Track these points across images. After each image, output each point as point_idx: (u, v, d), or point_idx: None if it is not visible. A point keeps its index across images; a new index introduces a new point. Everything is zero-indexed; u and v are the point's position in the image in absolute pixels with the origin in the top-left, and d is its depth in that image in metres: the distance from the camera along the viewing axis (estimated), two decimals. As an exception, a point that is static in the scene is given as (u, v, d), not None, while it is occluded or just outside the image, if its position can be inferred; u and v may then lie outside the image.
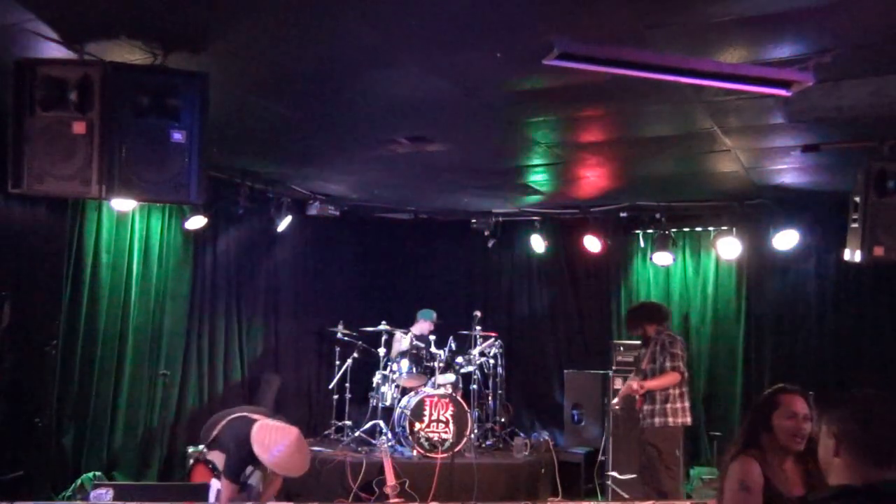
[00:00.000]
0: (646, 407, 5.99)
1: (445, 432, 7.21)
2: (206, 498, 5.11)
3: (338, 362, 8.16)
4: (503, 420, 8.20)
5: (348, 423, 7.91)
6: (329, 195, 8.09)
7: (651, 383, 6.01)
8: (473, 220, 8.85)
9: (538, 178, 6.88)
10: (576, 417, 8.04)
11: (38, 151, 3.56)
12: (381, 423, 7.66)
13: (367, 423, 7.77)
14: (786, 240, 7.37)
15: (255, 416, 5.13)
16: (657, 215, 7.93)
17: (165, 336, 7.06)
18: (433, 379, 7.64)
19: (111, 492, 5.20)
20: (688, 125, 4.97)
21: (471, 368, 7.75)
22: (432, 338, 8.14)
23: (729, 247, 7.64)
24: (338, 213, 8.40)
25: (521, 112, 4.83)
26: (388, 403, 7.78)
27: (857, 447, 2.18)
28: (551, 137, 5.44)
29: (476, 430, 7.45)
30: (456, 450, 7.10)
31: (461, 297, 9.30)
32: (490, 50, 3.67)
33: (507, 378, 8.35)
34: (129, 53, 3.79)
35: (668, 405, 5.93)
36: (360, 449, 7.38)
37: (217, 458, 5.16)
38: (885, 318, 7.24)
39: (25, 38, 3.71)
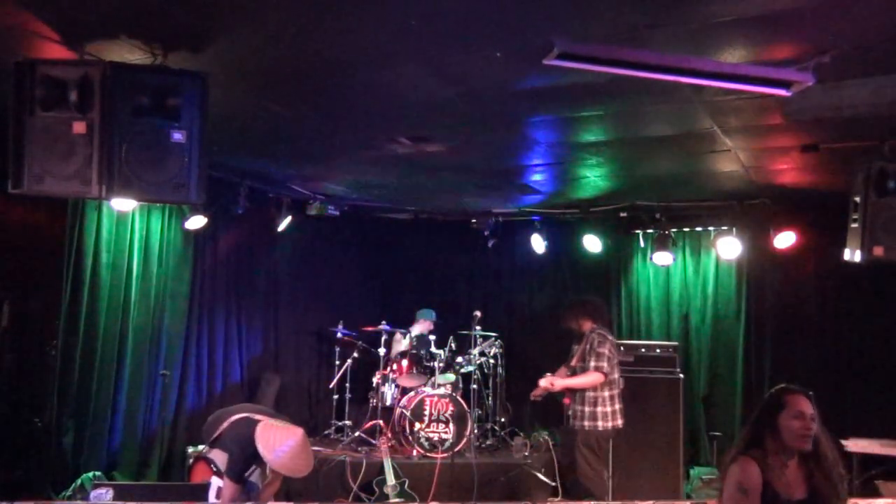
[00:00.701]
0: (576, 407, 5.91)
1: (445, 432, 7.22)
2: (206, 498, 5.11)
3: (338, 362, 8.16)
4: (503, 420, 8.20)
5: (348, 423, 7.91)
6: (329, 195, 8.09)
7: (569, 382, 5.97)
8: (473, 220, 8.85)
9: (538, 178, 6.88)
10: (576, 417, 8.03)
11: (38, 151, 3.56)
12: (381, 423, 7.66)
13: (367, 423, 7.77)
14: (786, 240, 7.37)
15: (258, 417, 5.12)
16: (657, 215, 7.93)
17: (165, 336, 7.06)
18: (433, 379, 7.64)
19: (111, 492, 5.20)
20: (688, 125, 4.97)
21: (471, 368, 7.75)
22: (432, 338, 8.14)
23: (729, 247, 7.65)
24: (338, 213, 8.39)
25: (521, 112, 4.83)
26: (388, 403, 7.78)
27: None
28: (551, 137, 5.44)
29: (476, 430, 7.44)
30: (456, 450, 7.11)
31: (461, 297, 9.30)
32: (490, 50, 3.67)
33: (507, 378, 8.35)
34: (129, 53, 3.79)
35: (598, 408, 5.85)
36: (360, 449, 7.39)
37: (218, 456, 5.16)
38: (885, 318, 7.24)
39: (25, 38, 3.71)
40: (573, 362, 6.11)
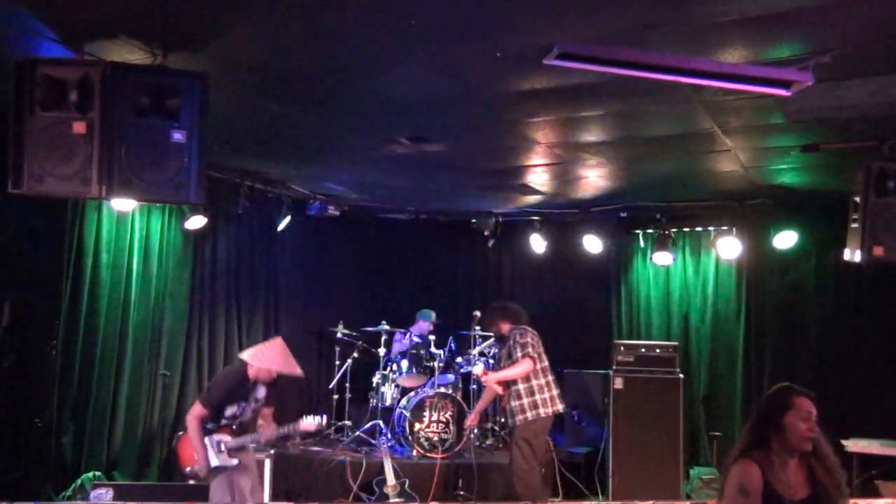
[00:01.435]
0: (513, 403, 5.90)
1: (445, 432, 7.21)
2: (206, 498, 5.11)
3: (338, 362, 8.16)
4: (503, 420, 8.19)
5: (348, 423, 7.91)
6: (329, 195, 8.09)
7: (501, 374, 6.02)
8: (473, 220, 8.84)
9: (538, 178, 6.88)
10: (576, 417, 8.04)
11: (38, 151, 3.56)
12: (381, 423, 7.66)
13: (367, 423, 7.77)
14: (786, 240, 7.37)
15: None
16: (657, 215, 7.93)
17: (165, 336, 7.06)
18: (433, 379, 7.63)
19: (111, 492, 5.22)
20: (688, 125, 4.97)
21: (471, 368, 7.75)
22: (432, 338, 8.14)
23: (729, 247, 7.65)
24: (338, 213, 8.40)
25: (521, 112, 4.83)
26: (388, 403, 7.78)
27: None
28: (551, 137, 5.43)
29: (476, 430, 7.44)
30: (456, 450, 7.11)
31: (461, 297, 9.31)
32: (490, 50, 3.67)
33: (507, 378, 8.34)
34: (129, 53, 3.79)
35: (537, 396, 5.87)
36: (360, 449, 7.39)
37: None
38: (885, 318, 7.24)
39: (25, 38, 3.71)
40: (502, 364, 6.14)
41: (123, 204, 6.03)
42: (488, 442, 7.88)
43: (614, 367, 7.34)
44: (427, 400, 7.32)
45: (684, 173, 6.50)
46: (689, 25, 3.31)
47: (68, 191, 3.64)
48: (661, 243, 7.84)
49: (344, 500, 6.70)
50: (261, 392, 5.19)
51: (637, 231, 8.44)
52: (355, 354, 8.11)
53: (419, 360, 7.75)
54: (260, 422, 5.31)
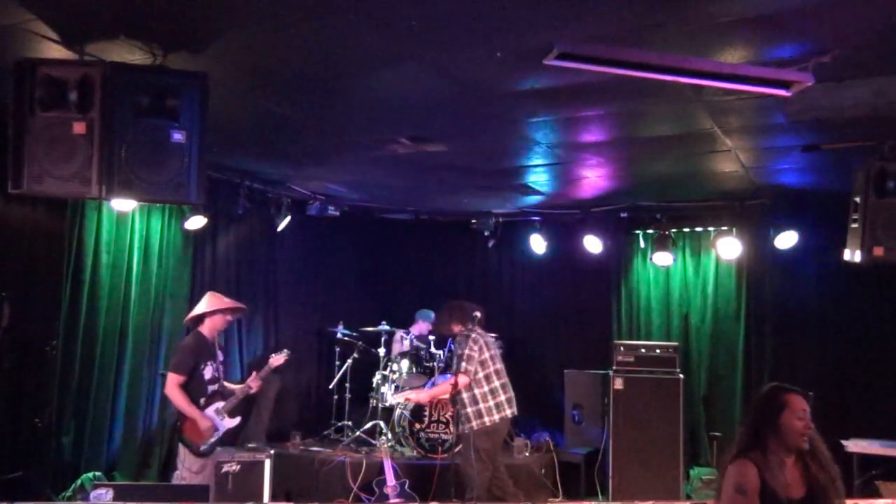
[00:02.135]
0: (461, 411, 5.84)
1: (445, 433, 7.21)
2: (206, 498, 5.11)
3: (338, 362, 8.16)
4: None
5: (348, 423, 7.91)
6: (329, 195, 8.09)
7: (424, 394, 6.11)
8: (473, 220, 8.84)
9: (538, 178, 6.88)
10: (576, 417, 8.04)
11: (37, 152, 3.56)
12: (381, 423, 7.66)
13: (367, 423, 7.77)
14: (786, 240, 7.37)
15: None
16: (657, 215, 7.93)
17: (165, 336, 7.05)
18: (433, 379, 7.63)
19: (111, 492, 5.20)
20: (688, 125, 4.97)
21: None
22: (432, 338, 8.14)
23: (729, 247, 7.64)
24: (338, 213, 8.39)
25: (521, 112, 4.83)
26: (388, 403, 7.78)
27: None
28: (551, 137, 5.44)
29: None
30: (456, 450, 7.10)
31: (461, 298, 9.27)
32: (490, 50, 3.67)
33: (507, 378, 8.34)
34: (129, 53, 3.79)
35: (481, 405, 5.79)
36: (360, 449, 7.39)
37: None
38: (885, 318, 7.24)
39: (25, 38, 3.71)
40: (453, 367, 6.10)
41: (123, 204, 6.02)
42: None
43: (614, 368, 7.34)
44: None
45: (684, 173, 6.50)
46: (690, 26, 3.31)
47: (68, 191, 3.65)
48: (661, 243, 7.84)
49: (344, 500, 6.70)
50: (219, 352, 5.64)
51: (637, 231, 8.44)
52: (355, 355, 8.11)
53: (419, 361, 7.75)
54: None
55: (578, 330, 8.92)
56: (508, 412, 5.91)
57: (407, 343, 8.10)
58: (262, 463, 6.18)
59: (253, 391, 5.71)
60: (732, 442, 3.32)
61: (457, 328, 6.02)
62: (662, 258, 7.90)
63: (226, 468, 6.03)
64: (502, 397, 5.90)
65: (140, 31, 3.61)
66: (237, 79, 4.28)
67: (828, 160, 5.64)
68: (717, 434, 7.73)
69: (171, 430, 7.02)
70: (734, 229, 7.61)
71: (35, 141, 3.55)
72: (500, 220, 8.84)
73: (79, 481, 6.11)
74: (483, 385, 5.84)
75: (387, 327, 8.19)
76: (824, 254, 7.44)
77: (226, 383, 5.70)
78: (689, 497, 7.07)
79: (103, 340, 6.46)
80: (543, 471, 7.35)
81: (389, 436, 7.47)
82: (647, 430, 7.07)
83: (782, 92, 3.69)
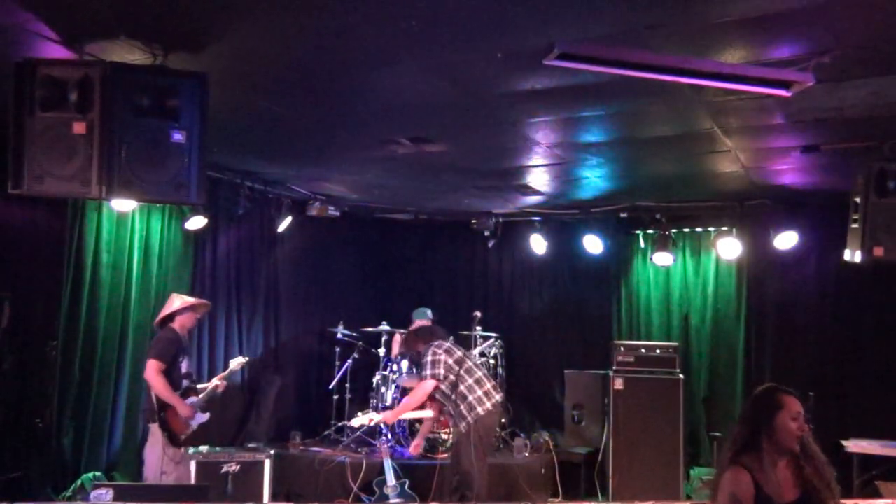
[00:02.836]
0: (456, 410, 5.81)
1: (445, 432, 7.21)
2: (206, 498, 5.11)
3: (338, 363, 8.16)
4: (503, 420, 8.19)
5: (348, 423, 7.90)
6: (329, 195, 8.09)
7: (399, 408, 6.10)
8: (473, 220, 8.84)
9: (538, 178, 6.88)
10: (576, 417, 8.04)
11: (38, 152, 3.56)
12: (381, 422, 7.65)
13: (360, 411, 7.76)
14: (786, 240, 7.37)
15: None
16: (657, 215, 7.93)
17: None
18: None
19: (111, 492, 5.19)
20: (688, 125, 4.97)
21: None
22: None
23: (729, 247, 7.64)
24: (338, 213, 8.39)
25: (521, 112, 4.83)
26: (388, 404, 7.77)
27: None
28: (551, 137, 5.44)
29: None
30: (453, 453, 7.09)
31: (461, 297, 9.31)
32: (490, 50, 3.67)
33: (507, 378, 8.35)
34: (129, 53, 3.79)
35: (470, 398, 5.77)
36: (360, 449, 7.39)
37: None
38: (885, 318, 7.24)
39: (25, 38, 3.71)
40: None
41: (123, 204, 6.02)
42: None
43: (614, 368, 7.34)
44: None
45: (684, 173, 6.50)
46: (690, 26, 3.31)
47: (68, 191, 3.65)
48: (661, 244, 7.84)
49: (344, 500, 6.70)
50: (188, 349, 5.83)
51: (637, 231, 8.44)
52: (355, 355, 8.11)
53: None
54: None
55: (578, 330, 8.93)
56: (497, 397, 5.95)
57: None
58: (262, 463, 6.18)
59: (219, 391, 5.91)
60: (727, 441, 3.30)
61: (420, 346, 6.08)
62: (662, 258, 7.90)
63: (226, 468, 6.03)
64: (488, 385, 5.93)
65: (140, 31, 3.61)
66: (237, 79, 4.28)
67: (828, 160, 5.64)
68: (717, 434, 7.72)
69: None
70: (734, 229, 7.61)
71: (35, 141, 3.55)
72: (500, 220, 8.84)
73: (79, 481, 6.11)
74: (466, 379, 5.85)
75: (387, 328, 8.19)
76: (824, 254, 7.46)
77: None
78: (689, 497, 7.08)
79: (103, 340, 6.46)
80: (543, 471, 7.34)
81: (389, 436, 7.47)
82: (647, 430, 7.08)
83: (782, 92, 3.70)
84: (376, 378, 7.92)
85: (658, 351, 7.39)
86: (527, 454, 7.51)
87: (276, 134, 5.61)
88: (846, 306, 7.48)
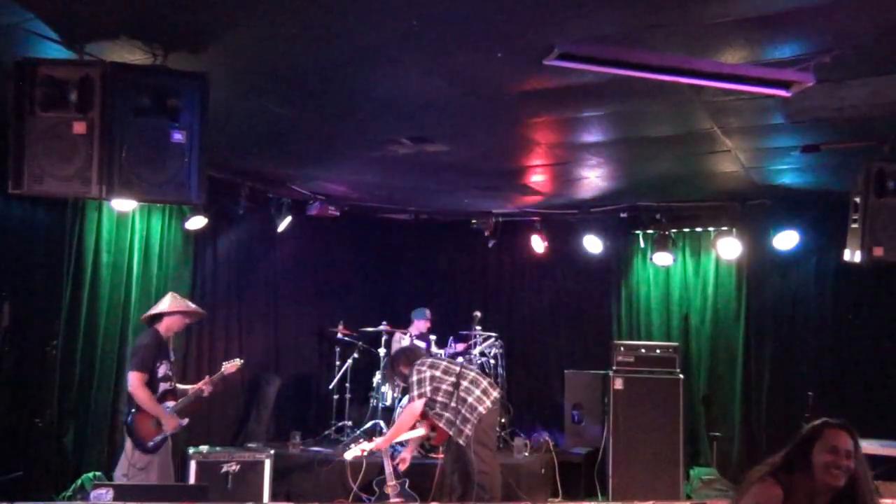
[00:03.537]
0: (457, 422, 5.77)
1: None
2: (206, 498, 5.11)
3: (338, 362, 8.16)
4: (503, 420, 8.19)
5: (348, 423, 7.91)
6: (329, 195, 8.09)
7: (390, 434, 6.06)
8: (473, 220, 8.84)
9: (538, 178, 6.88)
10: (576, 417, 8.04)
11: (38, 152, 3.56)
12: (381, 423, 7.65)
13: (367, 423, 7.77)
14: (786, 240, 7.37)
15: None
16: (657, 215, 7.93)
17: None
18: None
19: (111, 492, 5.19)
20: (688, 125, 4.97)
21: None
22: (433, 337, 8.14)
23: (729, 247, 7.64)
24: (338, 213, 8.40)
25: (521, 112, 4.83)
26: (388, 403, 7.78)
27: None
28: (551, 137, 5.43)
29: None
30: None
31: (461, 297, 9.31)
32: (490, 50, 3.67)
33: (507, 378, 8.35)
34: (129, 53, 3.79)
35: (470, 399, 5.76)
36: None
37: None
38: (885, 318, 7.24)
39: (25, 38, 3.71)
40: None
41: (124, 204, 6.02)
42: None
43: (614, 368, 7.34)
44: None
45: (684, 173, 6.50)
46: (690, 26, 3.31)
47: (68, 191, 3.65)
48: (661, 244, 7.84)
49: (344, 500, 6.70)
50: (171, 352, 5.61)
51: (637, 231, 8.44)
52: (355, 355, 8.11)
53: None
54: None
55: (578, 330, 8.93)
56: (495, 393, 5.95)
57: (407, 342, 8.09)
58: (262, 463, 6.19)
59: (205, 394, 5.74)
60: (735, 442, 3.19)
61: (406, 369, 6.03)
62: (662, 258, 7.90)
63: (226, 468, 6.04)
64: (484, 383, 5.93)
65: (140, 31, 3.61)
66: (237, 79, 4.28)
67: (827, 160, 5.64)
68: (717, 434, 7.73)
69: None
70: (734, 229, 7.61)
71: (35, 141, 3.55)
72: (500, 219, 8.84)
73: (79, 481, 6.12)
74: (462, 382, 5.83)
75: (387, 327, 8.19)
76: (824, 254, 7.46)
77: (178, 385, 5.67)
78: (688, 497, 7.08)
79: (104, 340, 6.46)
80: (543, 471, 7.34)
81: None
82: (647, 430, 7.07)
83: (782, 92, 3.70)
84: (376, 378, 7.92)
85: (658, 351, 7.39)
86: (527, 454, 7.51)
87: (276, 134, 5.61)
88: (846, 306, 7.48)
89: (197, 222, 6.90)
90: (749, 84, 3.65)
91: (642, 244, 8.48)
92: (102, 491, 4.99)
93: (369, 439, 6.43)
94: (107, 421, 6.51)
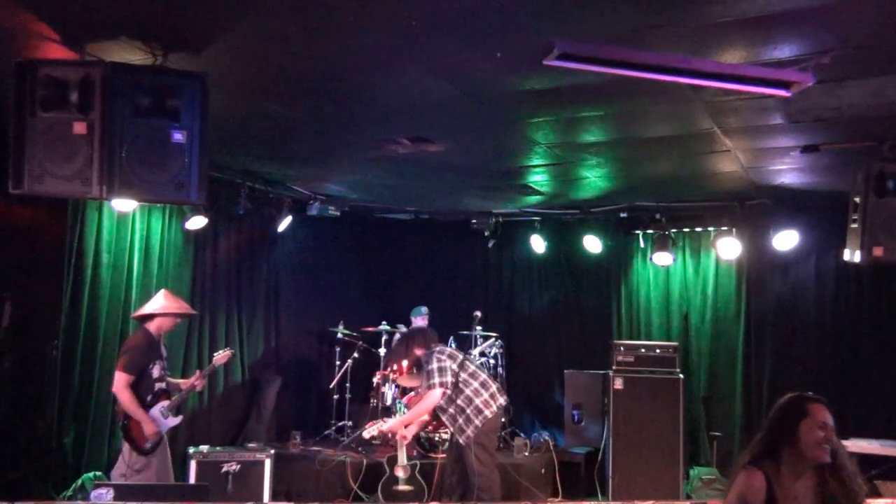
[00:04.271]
0: (459, 419, 5.79)
1: (445, 432, 7.21)
2: (206, 498, 5.12)
3: (338, 362, 8.17)
4: (503, 420, 8.19)
5: (348, 423, 7.91)
6: (329, 195, 8.09)
7: (406, 416, 6.07)
8: (473, 220, 8.85)
9: (538, 178, 6.88)
10: (576, 417, 8.05)
11: (38, 152, 3.56)
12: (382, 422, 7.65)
13: (367, 423, 7.76)
14: (786, 240, 7.38)
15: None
16: (657, 215, 7.94)
17: (165, 336, 7.05)
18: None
19: (111, 492, 5.20)
20: (688, 125, 4.97)
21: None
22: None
23: (729, 247, 7.65)
24: (338, 214, 8.40)
25: (521, 112, 4.83)
26: (388, 403, 7.78)
27: None
28: (551, 137, 5.44)
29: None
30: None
31: (461, 297, 9.31)
32: (490, 50, 3.67)
33: (507, 378, 8.36)
34: (130, 53, 3.79)
35: (477, 401, 5.76)
36: (360, 449, 7.39)
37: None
38: (885, 318, 7.25)
39: (25, 38, 3.71)
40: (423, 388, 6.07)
41: (124, 204, 6.03)
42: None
43: (614, 367, 7.34)
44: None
45: (684, 173, 6.50)
46: (689, 26, 3.31)
47: (69, 191, 3.64)
48: (661, 243, 7.85)
49: (344, 500, 6.70)
50: (163, 349, 5.59)
51: (637, 231, 8.45)
52: (355, 354, 8.12)
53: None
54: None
55: (578, 330, 8.94)
56: (502, 399, 5.96)
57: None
58: (262, 463, 6.19)
59: (198, 389, 5.79)
60: (747, 447, 3.18)
61: (419, 351, 6.04)
62: (662, 258, 7.90)
63: (226, 468, 6.04)
64: (493, 387, 5.94)
65: (140, 31, 3.61)
66: (237, 79, 4.28)
67: (827, 160, 5.64)
68: (717, 434, 7.74)
69: (171, 430, 7.04)
70: (734, 229, 7.62)
71: (36, 141, 3.55)
72: (500, 219, 8.84)
73: (79, 481, 6.12)
74: (471, 383, 5.86)
75: (387, 327, 8.19)
76: (824, 254, 7.46)
77: (170, 379, 5.68)
78: (688, 497, 7.08)
79: (104, 340, 6.46)
80: (543, 471, 7.35)
81: (389, 435, 7.46)
82: (647, 430, 7.08)
83: (782, 92, 3.69)
84: (376, 378, 7.92)
85: (658, 351, 7.39)
86: (527, 454, 7.52)
87: (276, 134, 5.61)
88: (846, 306, 7.48)
89: (197, 222, 6.90)
90: (749, 84, 3.65)
91: (642, 244, 8.48)
92: (103, 490, 5.00)
93: (383, 420, 6.42)
94: (107, 421, 6.50)
